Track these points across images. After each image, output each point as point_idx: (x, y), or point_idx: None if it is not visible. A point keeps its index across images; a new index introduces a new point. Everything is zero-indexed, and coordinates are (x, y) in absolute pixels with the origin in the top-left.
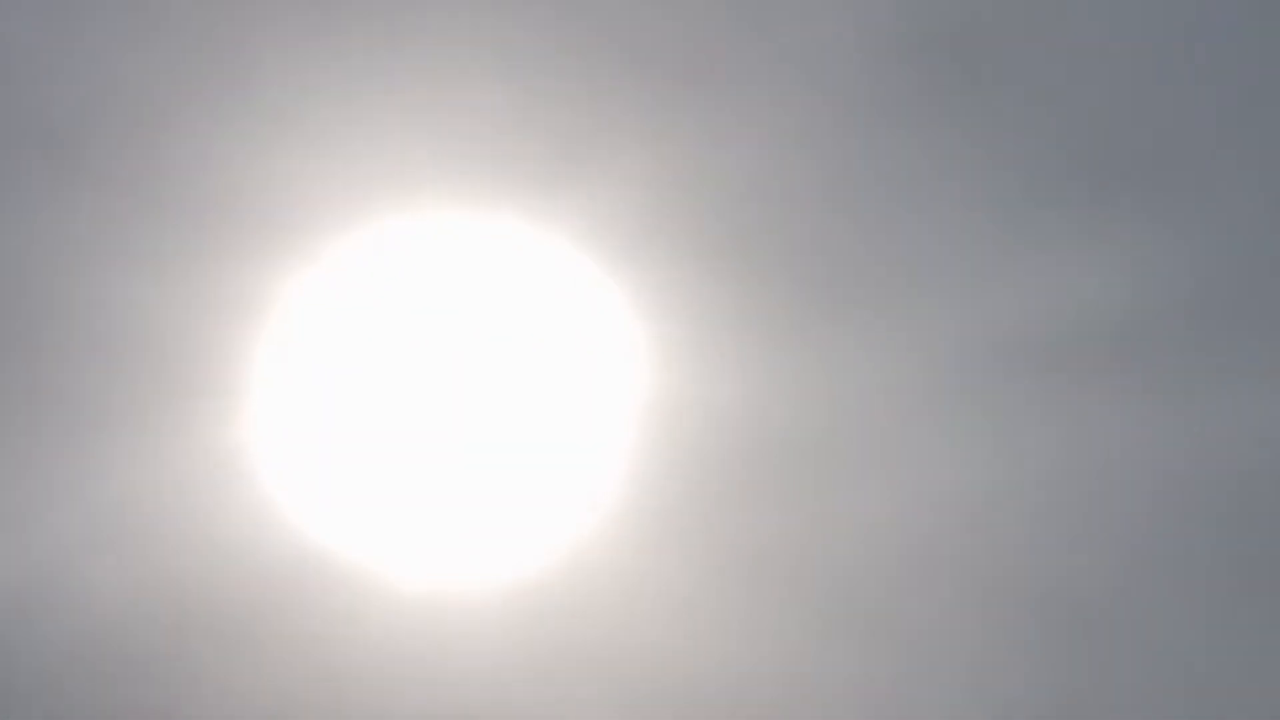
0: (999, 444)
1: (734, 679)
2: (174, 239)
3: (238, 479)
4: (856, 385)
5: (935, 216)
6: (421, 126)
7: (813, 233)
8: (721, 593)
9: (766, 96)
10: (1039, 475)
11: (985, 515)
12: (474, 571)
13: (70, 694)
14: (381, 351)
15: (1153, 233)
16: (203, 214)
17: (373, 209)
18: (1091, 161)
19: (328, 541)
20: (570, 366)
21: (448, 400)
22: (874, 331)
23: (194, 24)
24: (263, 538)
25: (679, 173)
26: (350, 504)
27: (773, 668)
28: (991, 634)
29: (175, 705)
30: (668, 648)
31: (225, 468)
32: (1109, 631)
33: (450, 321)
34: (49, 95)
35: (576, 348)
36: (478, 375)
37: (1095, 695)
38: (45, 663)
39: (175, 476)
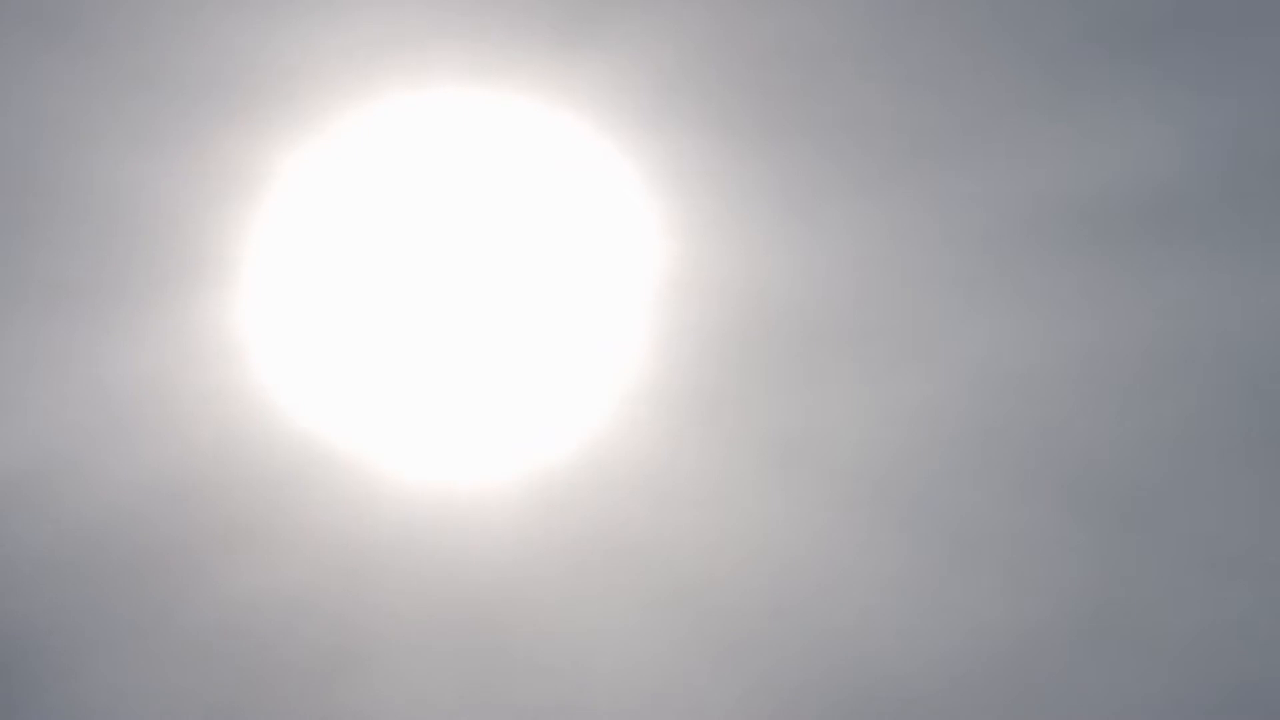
0: (1039, 321)
1: (766, 570)
2: (170, 113)
3: (240, 362)
4: (889, 262)
5: (972, 83)
6: None
7: (844, 100)
8: (750, 481)
9: None
10: (1081, 353)
11: (1026, 396)
12: (488, 462)
13: (76, 584)
14: (386, 231)
15: (1197, 99)
16: (200, 87)
17: (377, 81)
18: (1134, 23)
19: (334, 430)
20: (587, 245)
21: (456, 282)
22: (908, 204)
23: None
24: (266, 424)
25: (701, 37)
26: (356, 391)
27: (806, 558)
28: (1033, 518)
29: (181, 596)
30: (695, 539)
31: (226, 350)
32: (1154, 514)
33: (458, 198)
34: None
35: (592, 225)
36: (488, 255)
37: (1141, 579)
38: (50, 552)
39: (175, 360)
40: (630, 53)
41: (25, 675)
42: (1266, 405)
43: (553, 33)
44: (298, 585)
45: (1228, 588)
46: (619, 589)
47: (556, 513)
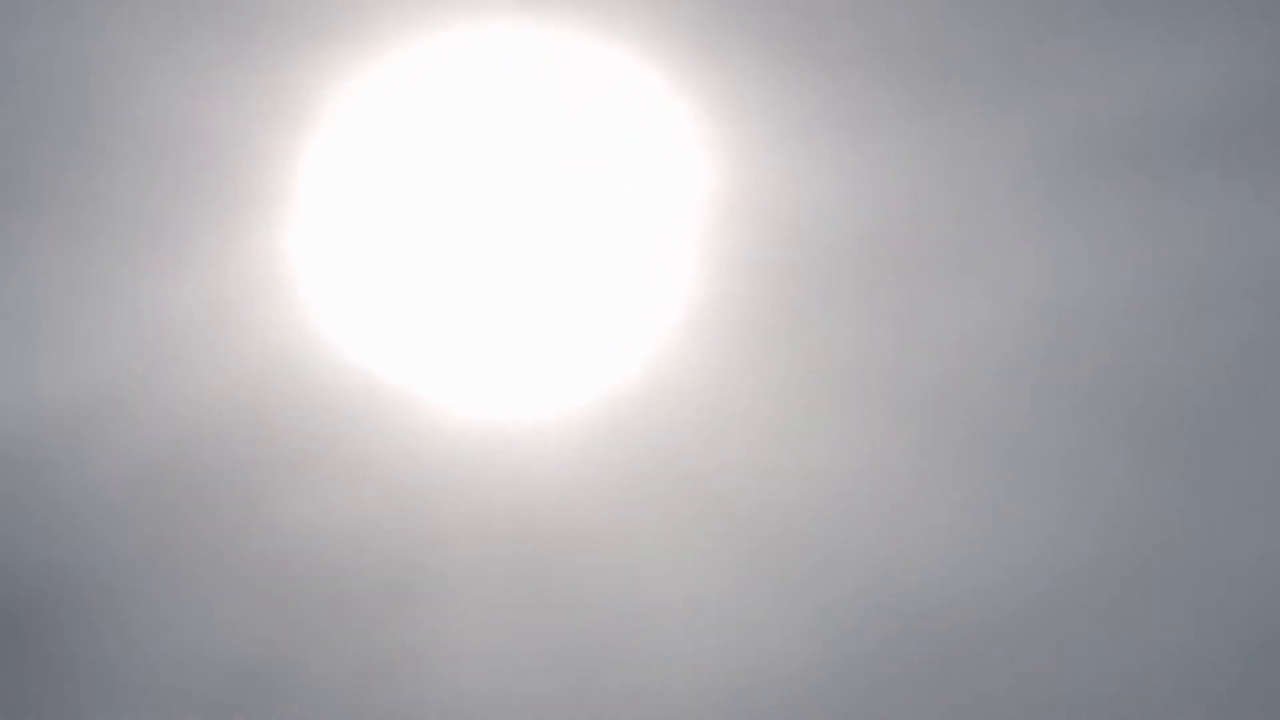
0: (1091, 247)
1: (821, 498)
2: (224, 43)
3: (291, 293)
4: (941, 188)
5: (1022, 10)
6: None
7: (893, 27)
8: (804, 409)
9: None
10: (1133, 278)
11: (1078, 322)
12: (541, 395)
13: (132, 516)
14: (438, 162)
15: (1246, 22)
16: (255, 17)
17: (429, 13)
18: None
19: (386, 364)
20: (638, 175)
21: (507, 214)
22: (959, 131)
23: None
24: (318, 358)
25: None
26: (406, 323)
27: (861, 486)
28: (1087, 444)
29: (237, 526)
30: (749, 469)
31: (278, 281)
32: (1208, 438)
33: (509, 129)
34: None
35: (644, 154)
36: (539, 187)
37: (1195, 505)
38: (106, 484)
39: (227, 291)
40: None
41: (84, 606)
42: None
43: None
44: (353, 516)
45: (1277, 507)
46: (673, 519)
47: (611, 444)
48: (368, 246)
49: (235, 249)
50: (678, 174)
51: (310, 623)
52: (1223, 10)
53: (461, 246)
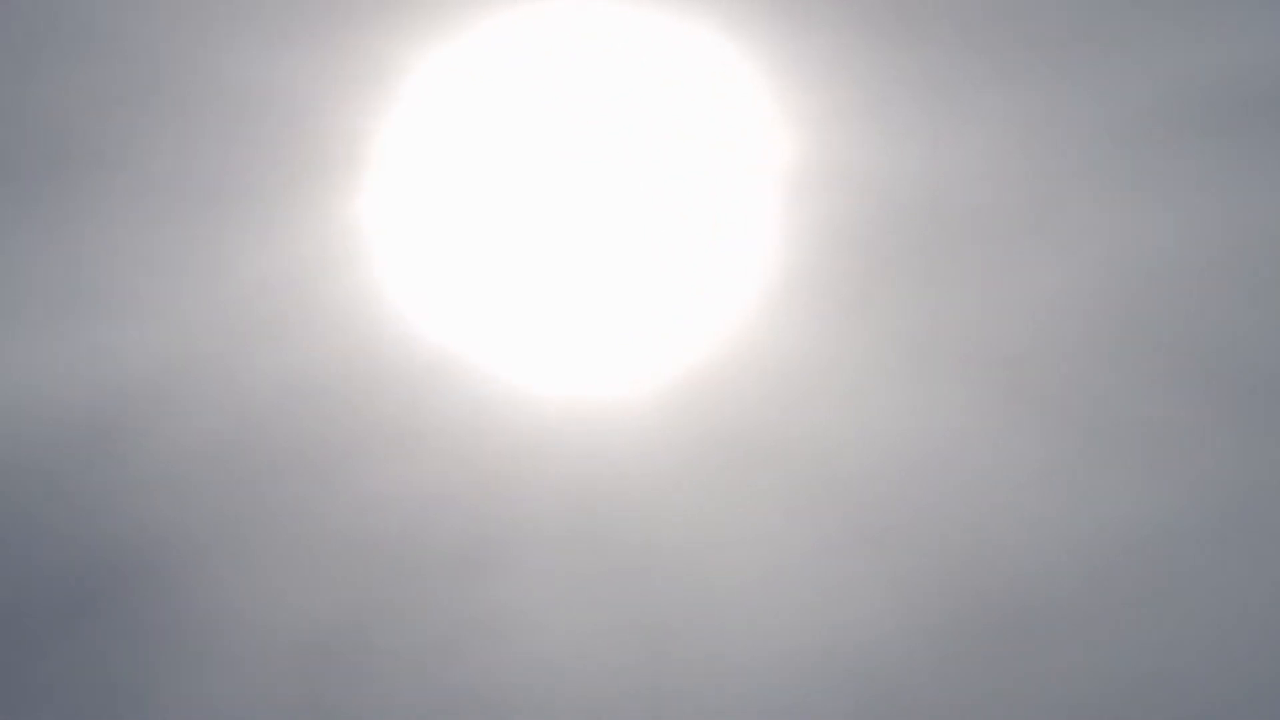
0: (1173, 210)
1: (903, 466)
2: (305, 10)
3: (370, 265)
4: (1021, 152)
5: None
6: None
7: None
8: (886, 377)
9: None
10: (1214, 241)
11: (1160, 285)
12: (622, 367)
13: (213, 485)
14: (517, 133)
15: None
16: None
17: None
18: None
19: (465, 337)
20: (717, 145)
21: (588, 187)
22: (1039, 96)
23: None
24: (396, 330)
25: None
26: (484, 295)
27: (943, 453)
28: (1169, 408)
29: (317, 497)
30: (831, 438)
31: (356, 252)
32: None
33: (587, 100)
34: None
35: (722, 123)
36: (618, 159)
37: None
38: (187, 453)
39: (305, 262)
40: None
41: (160, 578)
42: None
43: None
44: (432, 487)
45: None
46: (754, 491)
47: (691, 418)
48: (445, 219)
49: (313, 220)
50: (755, 144)
51: (386, 596)
52: None
53: (539, 220)
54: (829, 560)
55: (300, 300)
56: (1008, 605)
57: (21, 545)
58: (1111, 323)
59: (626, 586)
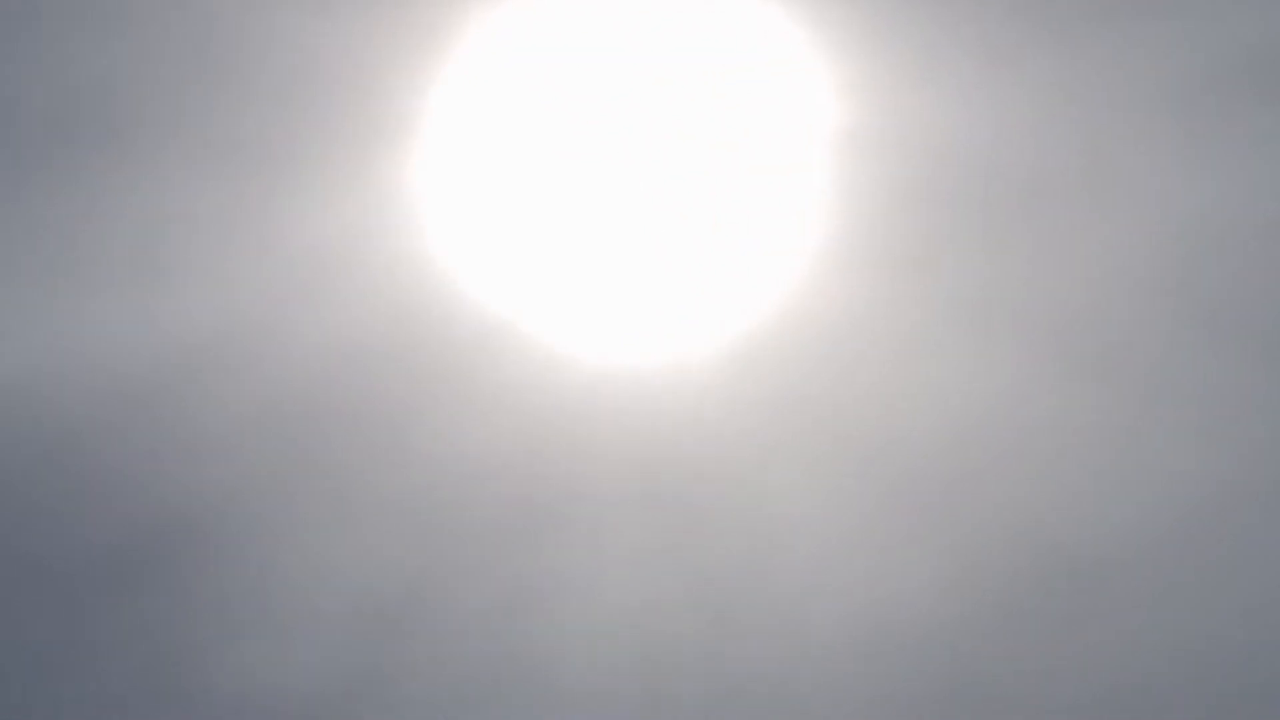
0: (1227, 173)
1: (958, 428)
2: None
3: (421, 227)
4: (1074, 115)
5: None
6: None
7: None
8: (939, 339)
9: None
10: (1269, 205)
11: (1215, 248)
12: (677, 333)
13: (268, 447)
14: (568, 98)
15: None
16: None
17: None
18: None
19: (516, 303)
20: (771, 109)
21: (641, 153)
22: (1095, 59)
23: None
24: (448, 294)
25: None
26: (535, 261)
27: (997, 415)
28: (1224, 370)
29: (372, 458)
30: (885, 400)
31: (408, 214)
32: None
33: (641, 66)
34: None
35: (776, 88)
36: (672, 124)
37: None
38: (243, 415)
39: (357, 224)
40: None
41: (221, 538)
42: None
43: None
44: (486, 452)
45: None
46: (810, 454)
47: (746, 381)
48: (496, 184)
49: (364, 186)
50: (809, 107)
51: (440, 560)
52: None
53: (592, 185)
54: (886, 521)
55: (352, 265)
56: (1063, 564)
57: (76, 509)
58: (1166, 283)
59: (683, 550)
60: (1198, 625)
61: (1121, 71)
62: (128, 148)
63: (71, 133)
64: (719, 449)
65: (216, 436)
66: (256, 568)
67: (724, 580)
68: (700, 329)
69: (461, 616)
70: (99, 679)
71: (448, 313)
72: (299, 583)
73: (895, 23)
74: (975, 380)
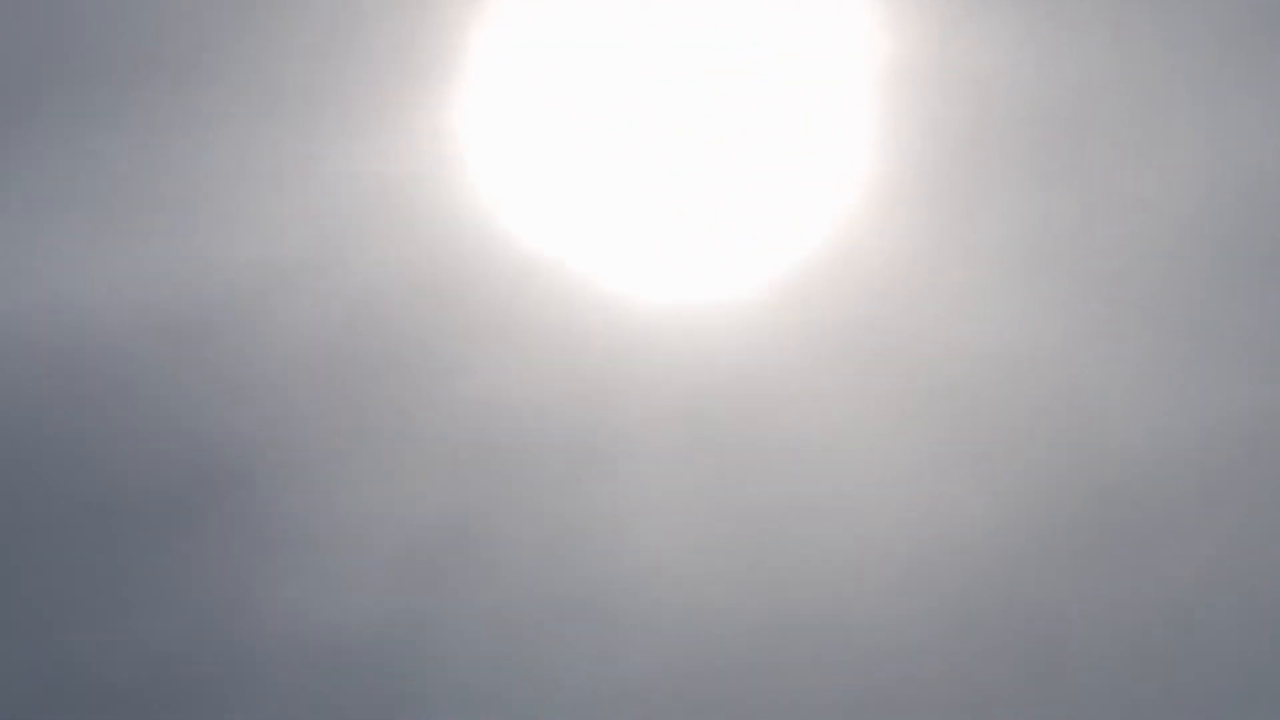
0: (1273, 114)
1: (1010, 366)
2: None
3: (466, 166)
4: (1127, 57)
5: None
6: None
7: None
8: (990, 278)
9: None
10: None
11: (1264, 187)
12: (728, 273)
13: (315, 386)
14: (615, 42)
15: None
16: None
17: None
18: None
19: (561, 242)
20: (818, 45)
21: (687, 91)
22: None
23: None
24: (492, 233)
25: None
26: (584, 203)
27: (1049, 353)
28: (1274, 309)
29: (418, 396)
30: (937, 339)
31: (452, 154)
32: None
33: (686, 4)
34: None
35: (824, 24)
36: (719, 63)
37: None
38: (289, 355)
39: (402, 164)
40: None
41: (267, 479)
42: None
43: None
44: (532, 391)
45: None
46: (859, 393)
47: (795, 320)
48: (542, 123)
49: (409, 126)
50: (857, 44)
51: (489, 499)
52: None
53: (637, 124)
54: (935, 458)
55: (398, 206)
56: (1116, 502)
57: (121, 451)
58: (1216, 225)
59: (731, 488)
60: (1246, 560)
61: (1173, 10)
62: (175, 89)
63: (120, 75)
64: (766, 387)
65: (263, 378)
66: (302, 510)
67: (772, 518)
68: (748, 267)
69: (508, 557)
70: (146, 621)
71: (494, 253)
72: (345, 524)
73: None
74: (1023, 317)
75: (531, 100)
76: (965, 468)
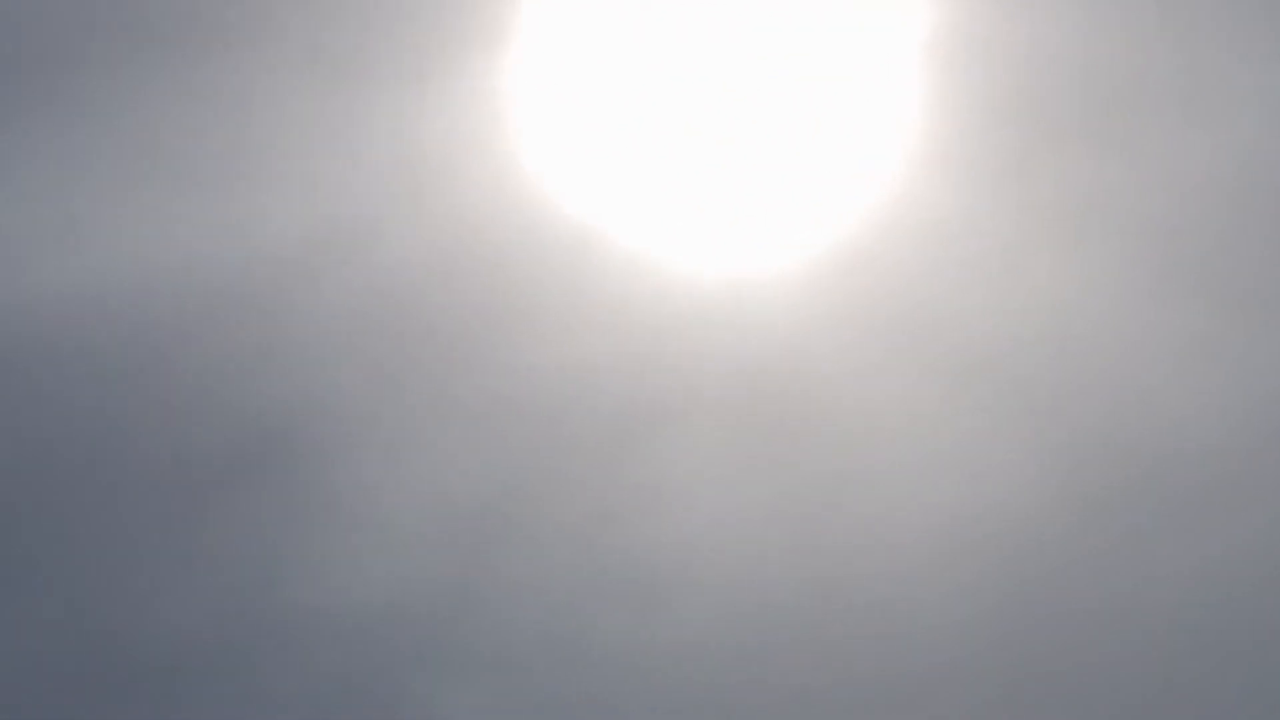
0: None
1: (1058, 337)
2: None
3: (513, 137)
4: (1176, 19)
5: None
6: None
7: None
8: (1039, 247)
9: None
10: None
11: None
12: (775, 245)
13: (360, 356)
14: (663, 15)
15: None
16: None
17: None
18: None
19: (607, 215)
20: (863, 17)
21: (734, 65)
22: None
23: None
24: (540, 204)
25: None
26: (629, 174)
27: (1098, 323)
28: None
29: (464, 368)
30: (985, 308)
31: (500, 125)
32: None
33: None
34: None
35: None
36: (765, 37)
37: None
38: (334, 325)
39: (449, 135)
40: None
41: (313, 447)
42: None
43: None
44: (579, 360)
45: None
46: (906, 364)
47: (842, 290)
48: (590, 94)
49: (457, 92)
50: (901, 15)
51: (537, 467)
52: None
53: (686, 94)
54: (981, 429)
55: (445, 174)
56: (1167, 477)
57: (167, 418)
58: (1266, 192)
59: (777, 460)
60: None
61: None
62: (223, 55)
63: (162, 41)
64: (813, 358)
65: (310, 345)
66: (349, 478)
67: (817, 491)
68: (795, 238)
69: (554, 527)
70: (190, 589)
71: (541, 222)
72: (392, 492)
73: None
74: (1070, 288)
75: (583, 68)
76: (1013, 439)
